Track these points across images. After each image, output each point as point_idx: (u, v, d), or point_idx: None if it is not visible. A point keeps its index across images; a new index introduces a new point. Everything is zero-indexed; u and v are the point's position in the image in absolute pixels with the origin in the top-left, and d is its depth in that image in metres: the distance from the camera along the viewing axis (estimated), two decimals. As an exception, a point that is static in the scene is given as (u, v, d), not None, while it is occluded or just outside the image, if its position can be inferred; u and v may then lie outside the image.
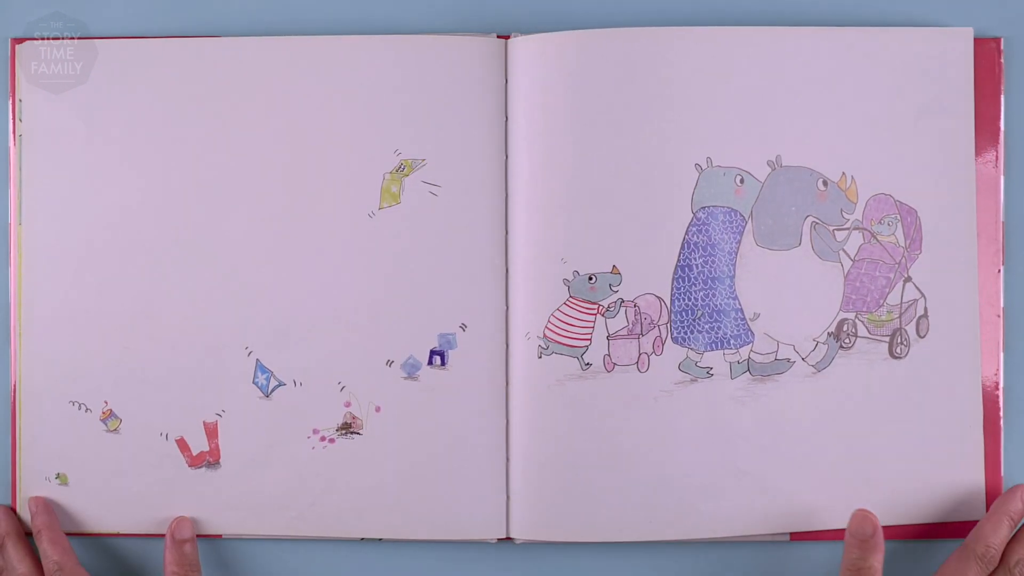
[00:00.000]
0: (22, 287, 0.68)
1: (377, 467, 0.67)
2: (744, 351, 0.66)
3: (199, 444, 0.67)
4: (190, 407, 0.67)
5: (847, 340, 0.66)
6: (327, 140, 0.66)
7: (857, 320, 0.67)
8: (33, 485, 0.68)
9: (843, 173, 0.66)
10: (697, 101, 0.65)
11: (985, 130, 0.66)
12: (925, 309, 0.67)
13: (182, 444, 0.67)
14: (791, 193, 0.66)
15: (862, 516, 0.64)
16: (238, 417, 0.67)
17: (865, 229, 0.66)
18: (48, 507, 0.67)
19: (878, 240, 0.66)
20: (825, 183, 0.66)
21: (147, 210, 0.67)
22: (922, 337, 0.67)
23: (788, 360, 0.66)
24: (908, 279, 0.67)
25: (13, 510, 0.68)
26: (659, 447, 0.66)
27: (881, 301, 0.67)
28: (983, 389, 0.67)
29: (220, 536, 0.68)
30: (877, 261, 0.66)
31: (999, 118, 0.67)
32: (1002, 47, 0.67)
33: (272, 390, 0.67)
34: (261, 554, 0.69)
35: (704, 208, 0.66)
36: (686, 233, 0.66)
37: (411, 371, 0.67)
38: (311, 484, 0.67)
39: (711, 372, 0.66)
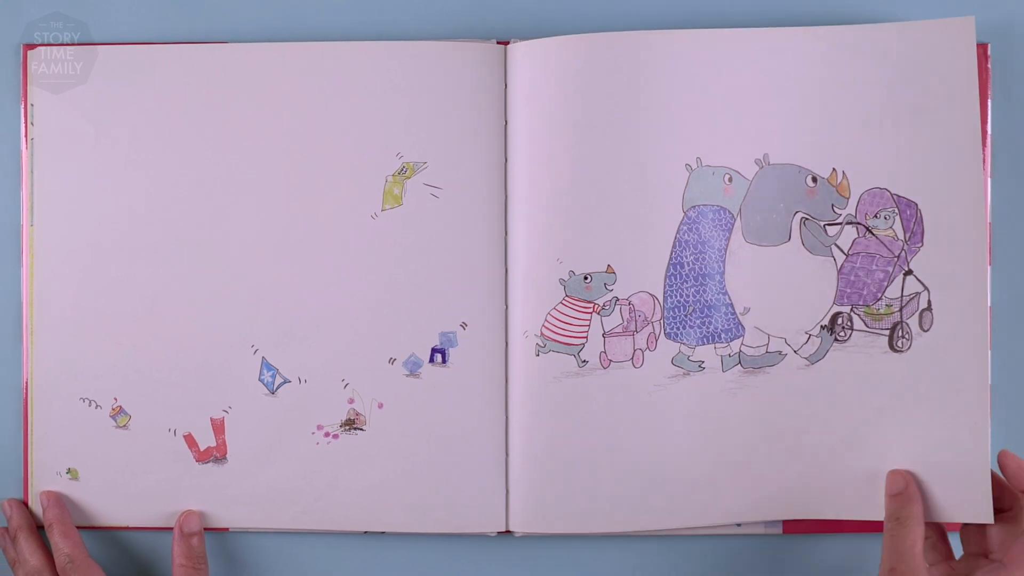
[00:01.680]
0: (34, 287, 0.68)
1: (380, 462, 0.67)
2: (735, 344, 0.67)
3: (206, 440, 0.68)
4: (197, 404, 0.68)
5: (842, 333, 0.66)
6: (331, 143, 0.67)
7: (853, 313, 0.66)
8: (44, 480, 0.69)
9: (833, 169, 0.66)
10: (687, 102, 0.65)
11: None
12: (928, 302, 0.65)
13: (190, 440, 0.68)
14: (779, 190, 0.66)
15: (895, 474, 0.65)
16: (244, 414, 0.68)
17: (859, 223, 0.66)
18: (59, 501, 0.68)
19: (874, 234, 0.66)
20: (814, 179, 0.66)
21: (155, 212, 0.68)
22: (925, 331, 0.66)
23: (780, 353, 0.66)
24: (909, 272, 0.66)
25: (25, 504, 0.69)
26: (653, 440, 0.66)
27: (879, 294, 0.66)
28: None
29: (227, 530, 0.69)
30: (874, 255, 0.66)
31: (986, 121, 0.67)
32: (989, 52, 0.67)
33: (277, 387, 0.68)
34: (267, 547, 0.70)
35: (694, 207, 0.66)
36: (677, 232, 0.66)
37: (413, 368, 0.67)
38: (316, 479, 0.68)
39: (703, 366, 0.67)
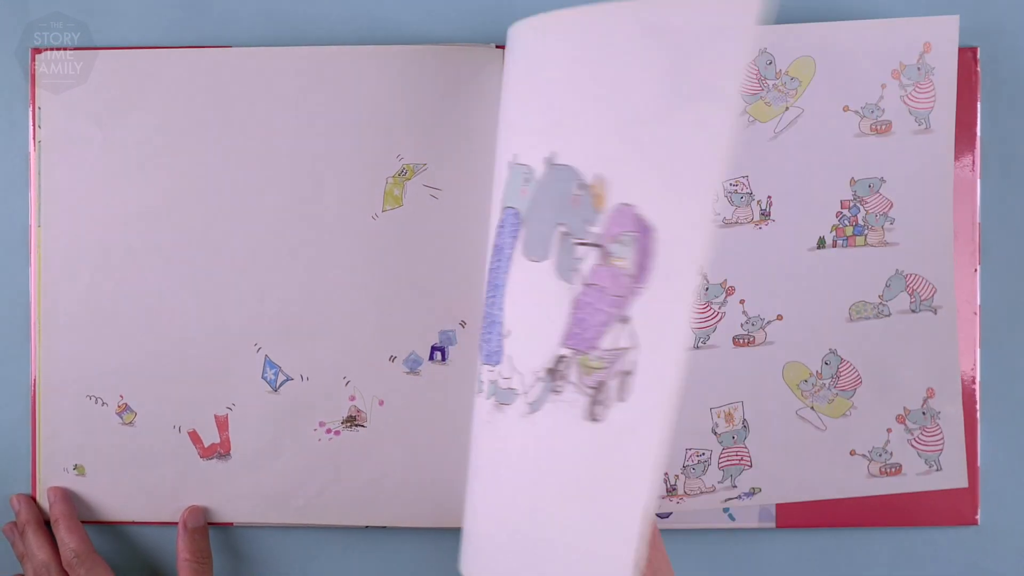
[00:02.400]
0: (41, 287, 0.69)
1: (381, 458, 0.68)
2: (496, 371, 0.56)
3: (210, 436, 0.69)
4: (202, 401, 0.69)
5: (558, 384, 0.52)
6: (332, 146, 0.67)
7: (573, 361, 0.51)
8: (52, 476, 0.69)
9: (597, 175, 0.51)
10: (520, 96, 0.57)
11: (962, 136, 0.67)
12: (634, 363, 0.48)
13: (194, 436, 0.69)
14: (553, 196, 0.53)
15: None
16: (248, 410, 0.68)
17: (600, 246, 0.51)
18: (66, 496, 0.69)
19: (609, 262, 0.50)
20: (581, 186, 0.52)
21: (160, 213, 0.68)
22: (622, 400, 0.48)
23: (515, 391, 0.54)
24: (624, 319, 0.49)
25: (33, 499, 0.69)
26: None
27: (595, 341, 0.50)
28: (962, 385, 0.67)
29: (231, 524, 0.69)
30: (603, 289, 0.50)
31: (975, 124, 0.68)
32: (979, 56, 0.68)
33: (280, 384, 0.68)
34: (270, 541, 0.70)
35: (506, 208, 0.57)
36: (496, 235, 0.58)
37: (413, 366, 0.68)
38: (318, 475, 0.68)
39: (481, 388, 0.59)
